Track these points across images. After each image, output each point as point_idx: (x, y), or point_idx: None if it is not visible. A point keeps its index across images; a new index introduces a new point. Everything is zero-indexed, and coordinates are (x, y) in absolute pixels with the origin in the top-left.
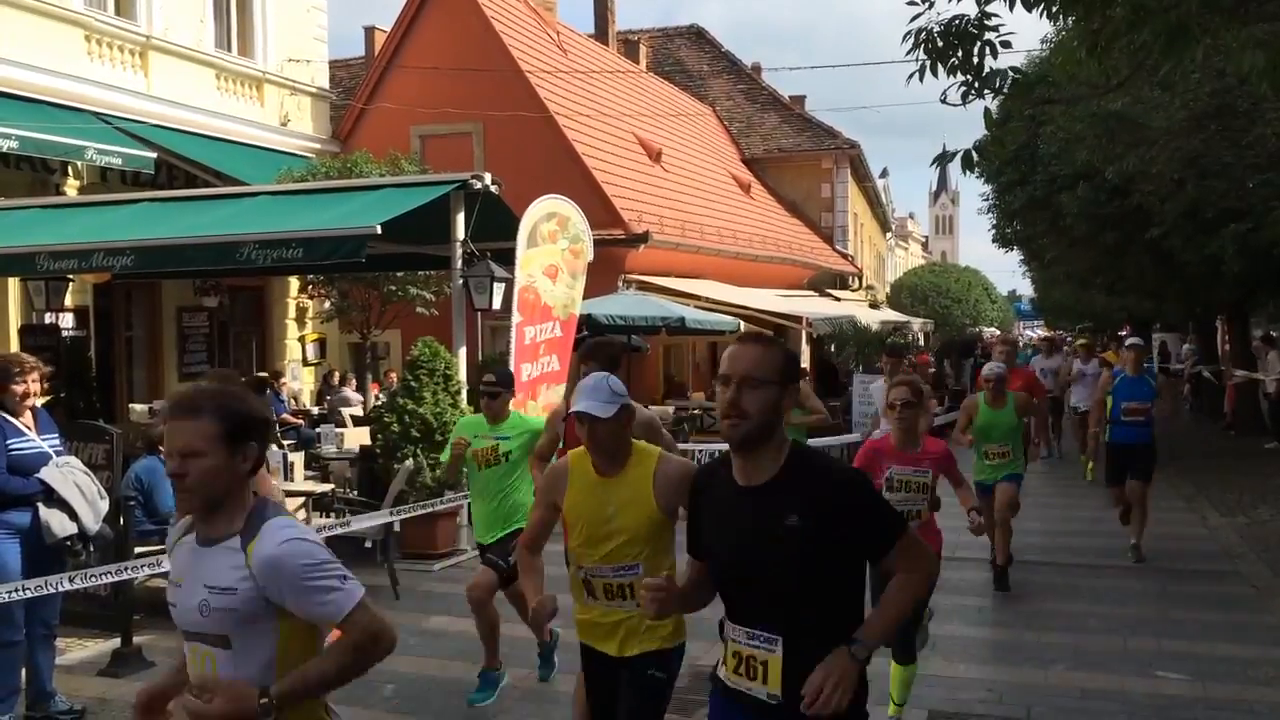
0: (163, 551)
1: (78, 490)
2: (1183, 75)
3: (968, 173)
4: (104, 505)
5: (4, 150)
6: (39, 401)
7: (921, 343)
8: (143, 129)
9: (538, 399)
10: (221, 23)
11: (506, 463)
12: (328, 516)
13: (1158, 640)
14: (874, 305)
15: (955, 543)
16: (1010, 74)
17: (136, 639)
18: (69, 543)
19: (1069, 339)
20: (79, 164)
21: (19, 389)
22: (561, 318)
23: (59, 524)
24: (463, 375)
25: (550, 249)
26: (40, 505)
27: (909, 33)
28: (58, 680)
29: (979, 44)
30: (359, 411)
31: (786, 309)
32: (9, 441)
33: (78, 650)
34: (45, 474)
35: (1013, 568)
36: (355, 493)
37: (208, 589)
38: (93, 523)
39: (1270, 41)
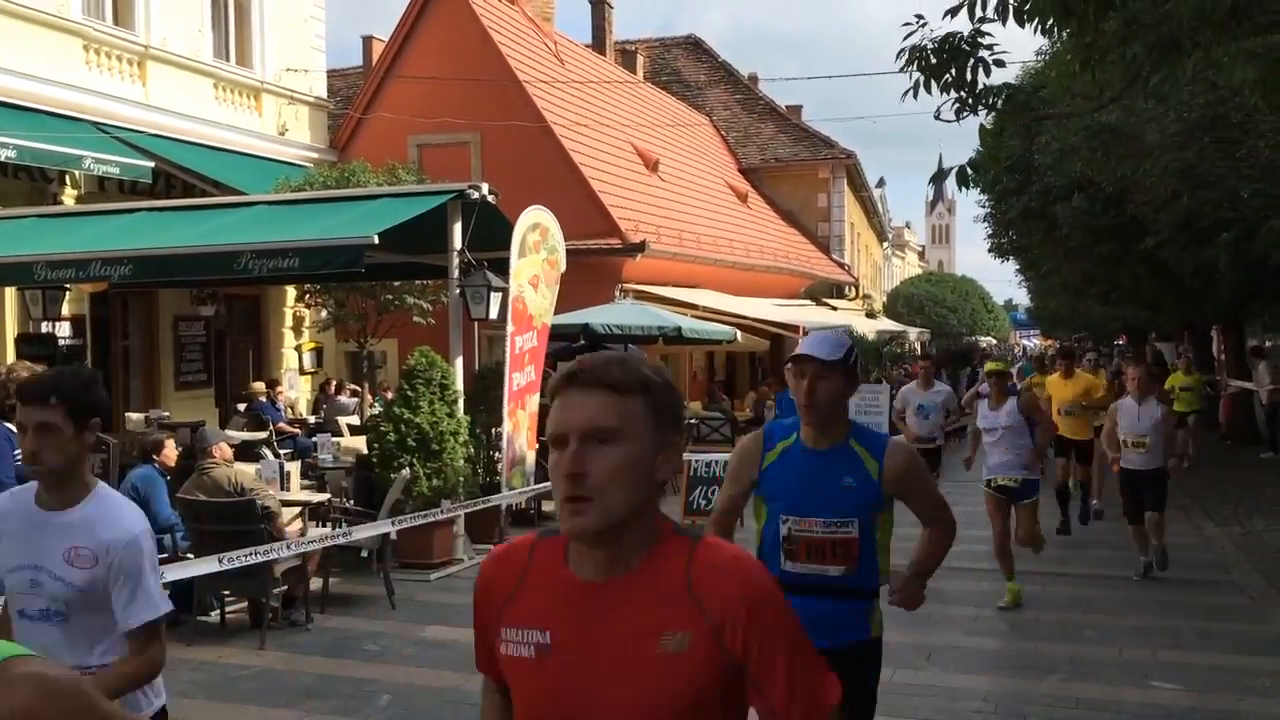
0: (160, 562)
1: None
2: (1175, 87)
3: (964, 189)
4: None
5: (2, 159)
6: None
7: (918, 352)
8: (140, 138)
9: (525, 408)
10: (219, 32)
11: None
12: (324, 526)
13: (1153, 650)
14: (871, 314)
15: (949, 552)
16: (1004, 90)
17: None
18: None
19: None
20: (77, 173)
21: None
22: (537, 327)
23: None
24: (459, 385)
25: (535, 259)
26: None
27: (903, 50)
28: None
29: (972, 61)
30: (356, 420)
31: (783, 318)
32: (17, 452)
33: None
34: None
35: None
36: (351, 502)
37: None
38: None
39: (1261, 55)
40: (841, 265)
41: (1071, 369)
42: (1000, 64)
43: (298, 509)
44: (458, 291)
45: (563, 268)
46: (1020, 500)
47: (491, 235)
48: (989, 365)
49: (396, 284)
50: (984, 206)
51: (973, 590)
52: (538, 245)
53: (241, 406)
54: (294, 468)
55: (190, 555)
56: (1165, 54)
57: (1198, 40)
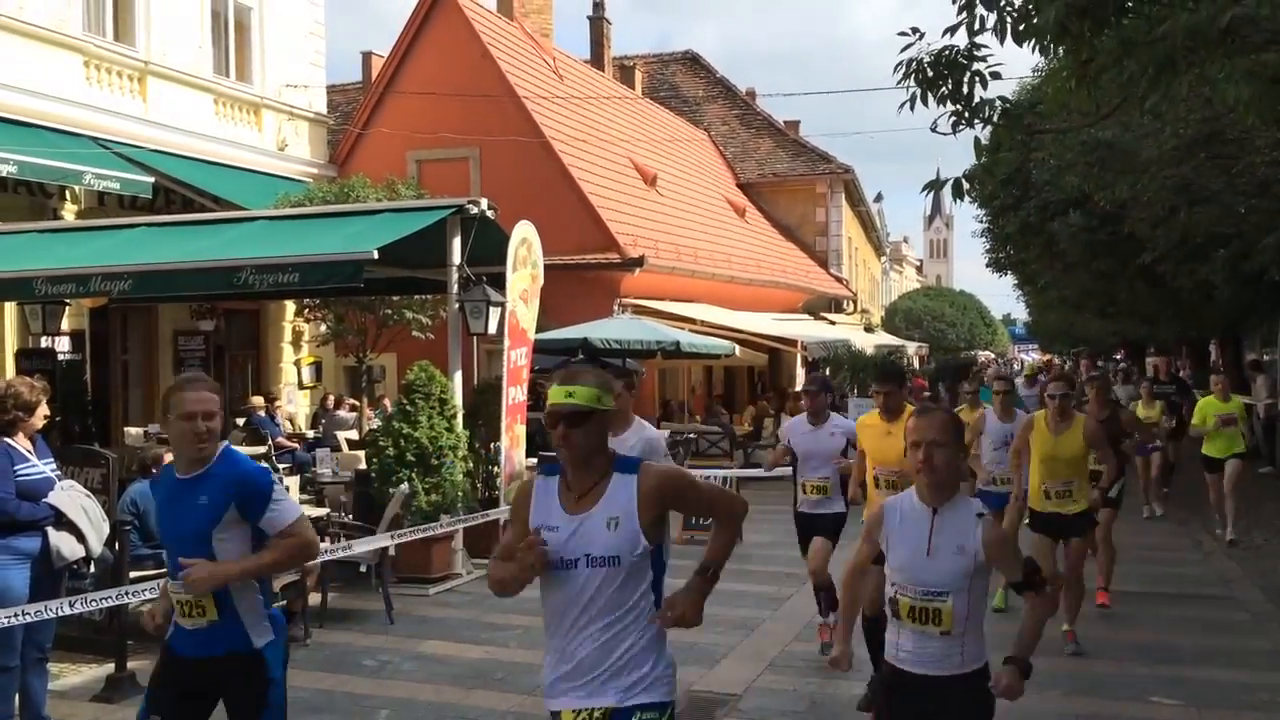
0: (159, 576)
1: (84, 514)
2: (1171, 104)
3: (958, 201)
4: (106, 528)
5: (2, 175)
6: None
7: (916, 366)
8: (140, 154)
9: (524, 422)
10: (219, 48)
11: None
12: (323, 541)
13: (1152, 666)
14: (869, 329)
15: None
16: (999, 104)
17: (130, 664)
18: (76, 566)
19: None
20: (77, 188)
21: (40, 413)
22: (527, 342)
23: (69, 547)
24: (458, 399)
25: (524, 273)
26: (50, 530)
27: (900, 63)
28: (50, 706)
29: (969, 74)
30: (354, 435)
31: (781, 332)
32: (17, 468)
33: (71, 675)
34: (53, 498)
35: (1004, 592)
36: (350, 517)
37: None
38: (98, 545)
39: (1256, 73)
40: (839, 280)
41: (899, 404)
42: (996, 76)
43: None
44: (457, 306)
45: (541, 282)
46: None
47: (490, 251)
48: (552, 391)
49: (396, 299)
50: (982, 221)
51: None
52: (524, 260)
53: (240, 421)
54: (293, 482)
55: None
56: (1161, 72)
57: (1193, 59)
